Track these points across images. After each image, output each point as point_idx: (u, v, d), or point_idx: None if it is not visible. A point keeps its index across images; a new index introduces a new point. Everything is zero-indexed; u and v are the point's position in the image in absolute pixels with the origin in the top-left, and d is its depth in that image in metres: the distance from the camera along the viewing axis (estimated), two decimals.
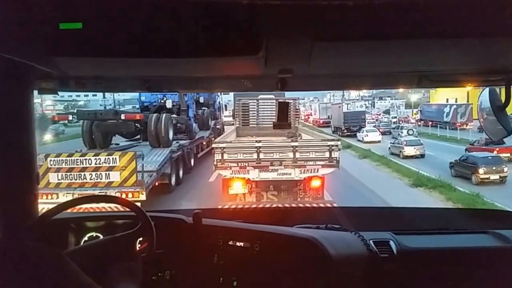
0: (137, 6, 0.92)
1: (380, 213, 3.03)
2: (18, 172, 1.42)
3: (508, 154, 18.80)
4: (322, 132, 17.21)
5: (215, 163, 9.67)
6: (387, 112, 49.81)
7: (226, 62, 1.18)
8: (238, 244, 1.76)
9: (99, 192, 8.78)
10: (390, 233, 1.93)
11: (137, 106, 16.90)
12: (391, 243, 1.84)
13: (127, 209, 1.51)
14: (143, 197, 8.98)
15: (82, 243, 1.82)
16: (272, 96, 12.77)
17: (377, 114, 47.04)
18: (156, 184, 10.34)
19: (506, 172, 16.03)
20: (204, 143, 16.32)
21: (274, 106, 12.22)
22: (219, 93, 19.58)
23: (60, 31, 0.92)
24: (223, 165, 9.60)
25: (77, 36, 0.93)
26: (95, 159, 9.13)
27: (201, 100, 17.81)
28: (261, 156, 9.61)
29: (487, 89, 1.69)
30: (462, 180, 16.64)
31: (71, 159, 9.12)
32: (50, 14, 0.91)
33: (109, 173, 9.07)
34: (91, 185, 9.05)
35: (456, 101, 33.61)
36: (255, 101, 13.90)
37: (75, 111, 17.46)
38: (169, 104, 14.75)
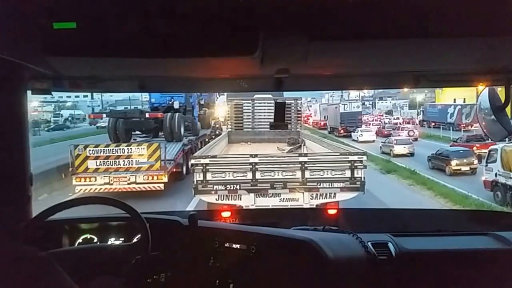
0: (131, 5, 0.91)
1: (379, 214, 3.01)
2: (11, 173, 1.41)
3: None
4: (326, 136, 15.29)
5: (194, 184, 7.29)
6: (389, 112, 48.79)
7: (221, 62, 1.17)
8: (234, 246, 1.74)
9: (131, 175, 11.13)
10: (389, 235, 1.91)
11: (129, 107, 19.70)
12: (390, 245, 1.82)
13: (122, 211, 1.49)
14: (165, 179, 11.27)
15: (76, 245, 1.81)
16: (270, 96, 11.50)
17: (379, 115, 45.80)
18: (174, 170, 12.36)
19: (476, 164, 17.31)
20: (207, 139, 17.62)
21: (272, 107, 10.24)
22: (218, 95, 20.86)
23: (54, 30, 0.91)
24: (205, 188, 7.24)
25: (71, 36, 0.93)
26: (127, 148, 11.57)
27: (202, 101, 19.51)
28: (258, 175, 7.30)
29: (486, 89, 1.67)
30: (437, 172, 17.82)
31: (108, 149, 11.50)
32: (44, 13, 0.90)
33: (138, 160, 11.39)
34: (124, 169, 11.27)
35: (464, 101, 32.35)
36: (250, 101, 12.60)
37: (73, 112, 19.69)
38: (176, 105, 16.18)
